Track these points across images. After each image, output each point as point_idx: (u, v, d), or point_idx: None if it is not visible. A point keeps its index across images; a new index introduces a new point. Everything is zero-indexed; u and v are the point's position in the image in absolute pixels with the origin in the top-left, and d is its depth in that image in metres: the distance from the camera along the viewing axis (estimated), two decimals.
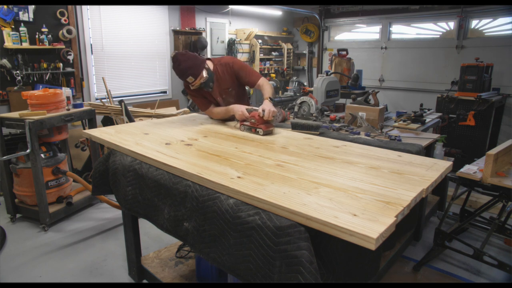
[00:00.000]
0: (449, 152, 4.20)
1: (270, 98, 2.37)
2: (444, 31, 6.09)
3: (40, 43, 4.18)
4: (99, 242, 3.03)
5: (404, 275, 2.62)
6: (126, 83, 5.37)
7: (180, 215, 1.59)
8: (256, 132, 2.25)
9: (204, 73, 2.40)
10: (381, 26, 6.74)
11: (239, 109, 2.39)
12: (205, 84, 2.44)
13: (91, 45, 4.84)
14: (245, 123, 2.33)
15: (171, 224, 1.65)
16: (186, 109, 5.14)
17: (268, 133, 2.24)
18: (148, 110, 4.54)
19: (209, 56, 6.33)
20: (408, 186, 1.40)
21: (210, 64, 2.52)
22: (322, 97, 3.57)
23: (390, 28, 6.66)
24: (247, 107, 2.39)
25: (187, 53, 2.39)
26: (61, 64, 4.41)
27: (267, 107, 2.25)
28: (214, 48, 6.48)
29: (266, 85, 2.50)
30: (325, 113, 3.39)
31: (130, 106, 4.56)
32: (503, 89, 5.13)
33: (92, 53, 4.86)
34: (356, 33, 7.29)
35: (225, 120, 2.67)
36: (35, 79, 4.23)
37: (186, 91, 2.69)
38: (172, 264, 2.43)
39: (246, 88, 2.96)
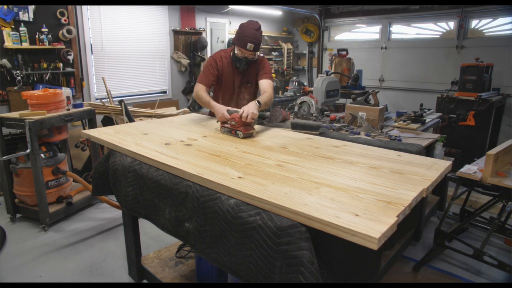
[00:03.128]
0: (449, 152, 4.20)
1: (258, 101, 2.31)
2: (444, 31, 6.09)
3: (40, 43, 4.17)
4: (99, 242, 3.03)
5: (404, 275, 2.62)
6: (126, 83, 5.36)
7: (181, 215, 1.59)
8: (236, 135, 2.16)
9: (256, 56, 2.44)
10: (381, 26, 6.74)
11: (220, 110, 2.27)
12: (246, 61, 2.46)
13: (91, 45, 4.83)
14: (225, 125, 2.24)
15: (172, 224, 1.65)
16: (186, 109, 5.14)
17: (248, 135, 2.15)
18: (148, 110, 4.54)
19: (209, 55, 6.33)
20: (408, 185, 1.40)
21: None
22: (322, 97, 3.57)
23: (390, 28, 6.66)
24: (228, 108, 2.29)
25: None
26: (61, 64, 4.40)
27: (249, 108, 2.15)
28: (214, 48, 6.47)
29: (266, 93, 2.48)
30: (325, 113, 3.39)
31: (130, 106, 4.55)
32: (503, 89, 5.13)
33: (92, 53, 4.86)
34: (356, 33, 7.29)
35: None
36: (35, 79, 4.23)
37: (208, 58, 2.62)
38: (172, 264, 2.43)
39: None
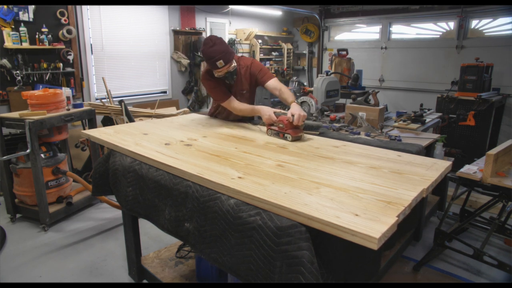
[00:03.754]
0: (449, 152, 4.20)
1: (296, 101, 2.27)
2: (444, 31, 6.09)
3: (40, 43, 4.17)
4: (99, 242, 3.03)
5: (404, 275, 2.63)
6: (126, 83, 5.36)
7: (181, 215, 1.59)
8: (285, 138, 2.11)
9: (234, 63, 2.36)
10: (381, 26, 6.74)
11: (267, 112, 2.25)
12: (230, 74, 2.37)
13: (91, 45, 4.83)
14: (272, 127, 2.20)
15: (172, 224, 1.65)
16: (186, 109, 5.14)
17: (297, 138, 2.10)
18: (148, 110, 4.54)
19: None
20: (408, 186, 1.40)
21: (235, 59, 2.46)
22: (322, 97, 3.57)
23: (390, 28, 6.66)
24: (275, 110, 2.25)
25: (221, 38, 2.33)
26: (61, 64, 4.40)
27: (297, 111, 2.10)
28: None
29: (284, 88, 2.43)
30: (325, 113, 3.39)
31: (130, 106, 4.55)
32: (503, 89, 5.13)
33: (92, 53, 4.86)
34: (356, 33, 7.29)
35: (237, 120, 2.60)
36: (35, 79, 4.23)
37: (201, 81, 2.56)
38: (172, 264, 2.43)
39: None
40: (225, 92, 2.48)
